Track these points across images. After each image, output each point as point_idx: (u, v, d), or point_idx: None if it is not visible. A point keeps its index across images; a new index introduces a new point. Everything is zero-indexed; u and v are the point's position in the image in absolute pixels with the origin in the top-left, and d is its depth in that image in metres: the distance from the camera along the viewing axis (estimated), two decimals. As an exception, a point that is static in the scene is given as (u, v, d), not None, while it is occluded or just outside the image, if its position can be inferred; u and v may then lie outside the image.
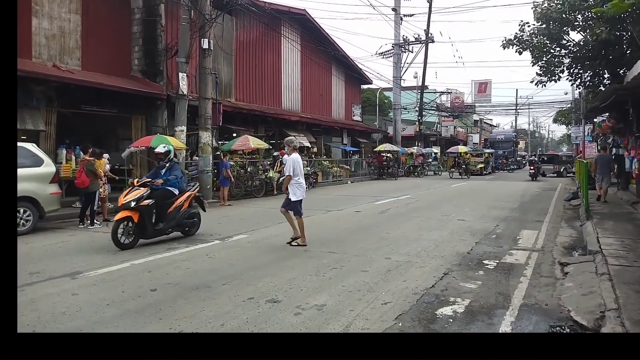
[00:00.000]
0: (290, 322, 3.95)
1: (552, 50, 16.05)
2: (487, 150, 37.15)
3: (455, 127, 48.69)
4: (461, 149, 32.45)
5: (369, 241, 7.47)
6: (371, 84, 33.97)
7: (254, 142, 15.76)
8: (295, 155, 7.41)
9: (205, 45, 13.85)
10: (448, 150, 34.79)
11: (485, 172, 31.51)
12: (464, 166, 28.30)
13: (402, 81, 31.28)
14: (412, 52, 30.58)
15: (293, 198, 7.17)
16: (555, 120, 51.87)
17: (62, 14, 12.94)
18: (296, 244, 7.07)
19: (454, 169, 29.11)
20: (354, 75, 29.51)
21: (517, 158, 45.07)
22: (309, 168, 19.41)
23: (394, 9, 29.90)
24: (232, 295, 4.69)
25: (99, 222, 9.40)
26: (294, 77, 24.10)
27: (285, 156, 17.38)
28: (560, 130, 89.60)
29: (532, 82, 17.26)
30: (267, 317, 4.07)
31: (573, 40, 15.78)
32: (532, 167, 25.38)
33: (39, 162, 8.85)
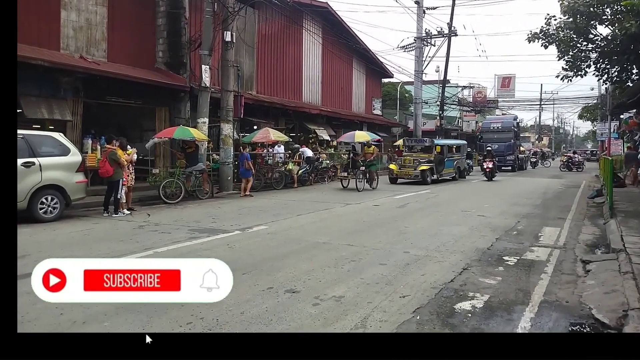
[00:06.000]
0: (308, 313, 4.00)
1: (578, 45, 15.65)
2: (441, 142, 20.93)
3: (477, 122, 48.02)
4: (359, 136, 16.87)
5: (388, 235, 7.48)
6: (392, 77, 33.69)
7: (274, 135, 15.86)
8: None
9: (228, 38, 13.95)
10: (339, 139, 21.32)
11: (434, 177, 18.37)
12: (362, 167, 15.35)
13: (423, 75, 30.96)
14: (434, 45, 30.13)
15: None
16: (580, 117, 50.74)
17: (89, 6, 13.19)
18: None
19: (348, 172, 16.13)
20: (375, 69, 29.34)
21: (519, 155, 31.47)
22: (328, 161, 19.44)
23: (416, 2, 29.53)
24: (252, 284, 4.76)
25: (123, 212, 9.58)
26: (314, 70, 24.09)
27: (305, 148, 17.63)
28: (585, 127, 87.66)
29: (557, 77, 16.86)
30: (286, 306, 4.13)
31: (601, 34, 15.37)
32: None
33: (66, 152, 9.07)
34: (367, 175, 15.45)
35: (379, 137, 18.97)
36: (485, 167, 20.62)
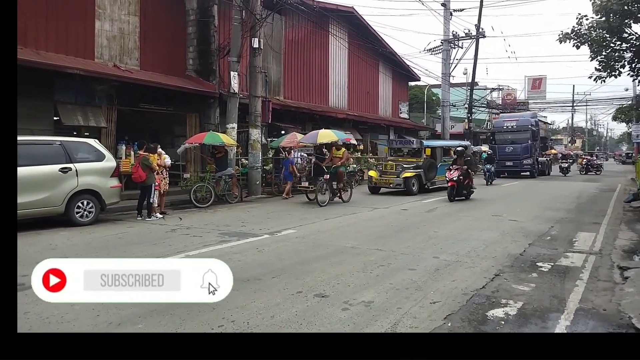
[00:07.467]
0: (338, 317, 4.01)
1: (612, 44, 15.23)
2: (432, 143, 17.56)
3: (506, 125, 46.96)
4: (323, 136, 13.09)
5: (417, 240, 7.42)
6: (419, 80, 33.45)
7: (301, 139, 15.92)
8: None
9: (256, 45, 14.15)
10: (300, 140, 14.78)
11: (417, 186, 14.99)
12: (327, 175, 12.15)
13: (451, 78, 30.61)
14: (461, 47, 29.79)
15: None
16: (614, 118, 49.16)
17: (122, 16, 13.59)
18: None
19: (309, 182, 13.18)
20: (402, 72, 29.19)
21: (539, 158, 27.32)
22: (355, 165, 19.40)
23: (443, 4, 29.27)
24: (282, 288, 4.80)
25: (156, 216, 9.78)
26: (341, 75, 24.15)
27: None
28: (619, 129, 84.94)
29: (590, 77, 16.44)
30: (315, 311, 4.15)
31: (636, 33, 14.90)
32: None
33: (100, 157, 9.35)
34: (335, 184, 12.35)
35: (349, 137, 15.64)
36: (447, 177, 13.28)
